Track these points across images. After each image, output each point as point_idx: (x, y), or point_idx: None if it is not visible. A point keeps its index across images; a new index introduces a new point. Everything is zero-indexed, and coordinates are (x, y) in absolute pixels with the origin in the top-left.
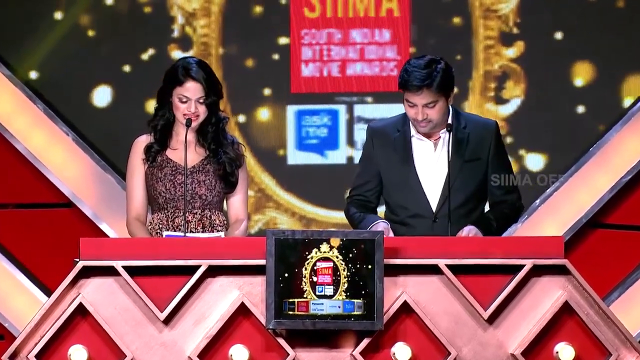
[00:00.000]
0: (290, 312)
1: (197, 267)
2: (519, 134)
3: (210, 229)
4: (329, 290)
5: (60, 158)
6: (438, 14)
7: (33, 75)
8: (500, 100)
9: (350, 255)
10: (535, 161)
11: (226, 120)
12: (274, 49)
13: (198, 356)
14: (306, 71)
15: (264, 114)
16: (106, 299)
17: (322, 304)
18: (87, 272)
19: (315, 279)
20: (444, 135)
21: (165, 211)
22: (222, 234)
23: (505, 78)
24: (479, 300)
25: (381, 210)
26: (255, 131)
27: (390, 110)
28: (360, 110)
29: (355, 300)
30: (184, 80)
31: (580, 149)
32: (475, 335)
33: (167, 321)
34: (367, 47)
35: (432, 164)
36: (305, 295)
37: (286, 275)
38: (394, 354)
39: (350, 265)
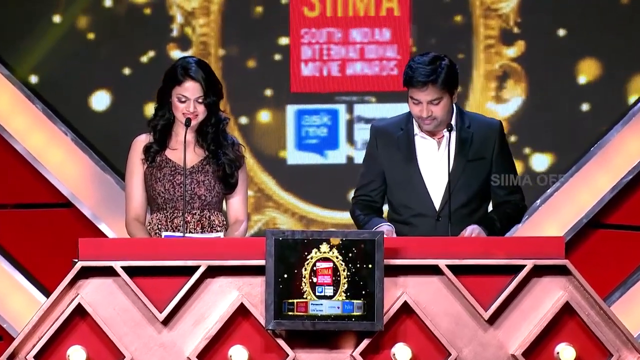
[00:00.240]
0: (290, 313)
1: (197, 267)
2: (519, 134)
3: (209, 229)
4: (329, 291)
5: (59, 158)
6: (438, 13)
7: (33, 79)
8: (500, 100)
9: (350, 255)
10: (536, 161)
11: (226, 121)
12: (273, 49)
13: (197, 357)
14: (306, 71)
15: (263, 113)
16: (105, 299)
17: (321, 304)
18: (86, 273)
19: (315, 279)
20: (447, 134)
21: (165, 211)
22: (221, 235)
23: (505, 77)
24: (480, 301)
25: (386, 208)
26: (254, 131)
27: (391, 110)
28: (360, 109)
29: (355, 301)
30: (182, 80)
31: (582, 149)
32: (475, 336)
33: (166, 322)
34: (367, 47)
35: (435, 162)
36: (304, 296)
37: (286, 275)
38: (394, 354)
39: (350, 265)
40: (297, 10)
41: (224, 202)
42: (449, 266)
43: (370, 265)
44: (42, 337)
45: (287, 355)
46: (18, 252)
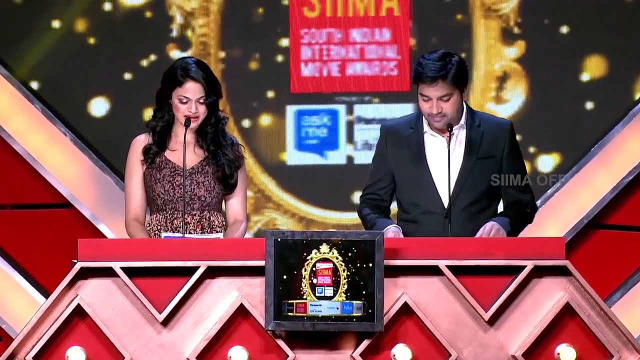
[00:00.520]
0: (290, 314)
1: (196, 268)
2: (520, 134)
3: (209, 230)
4: (329, 292)
5: (58, 158)
6: (438, 13)
7: (33, 83)
8: (500, 101)
9: (350, 256)
10: (536, 161)
11: (225, 120)
12: (273, 49)
13: (197, 358)
14: (306, 71)
15: (263, 114)
16: (104, 300)
17: (320, 305)
18: (85, 273)
19: (315, 280)
20: (457, 132)
21: (164, 212)
22: (220, 235)
23: (506, 78)
24: (480, 302)
25: (394, 206)
26: (254, 131)
27: (391, 110)
28: (360, 110)
29: (355, 302)
30: (183, 81)
31: (583, 149)
32: (476, 337)
33: (165, 322)
34: (367, 47)
35: (444, 160)
36: (304, 297)
37: (286, 276)
38: (394, 355)
39: (350, 266)
40: (297, 11)
41: (224, 202)
42: (449, 267)
43: (370, 266)
44: (41, 338)
45: (287, 356)
46: (17, 252)
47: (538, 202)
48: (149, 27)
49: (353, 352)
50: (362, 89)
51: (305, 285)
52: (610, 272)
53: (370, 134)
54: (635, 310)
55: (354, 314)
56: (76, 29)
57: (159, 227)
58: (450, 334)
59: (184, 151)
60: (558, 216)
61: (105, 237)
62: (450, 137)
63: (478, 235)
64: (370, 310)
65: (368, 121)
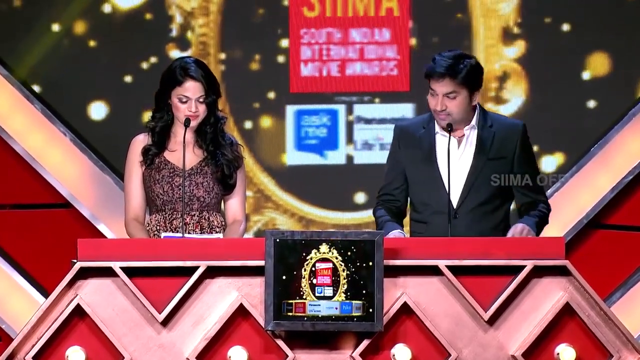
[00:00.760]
0: (289, 314)
1: (196, 268)
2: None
3: (208, 230)
4: (329, 292)
5: (58, 158)
6: (438, 13)
7: (33, 82)
8: (500, 101)
9: (350, 256)
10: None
11: (225, 120)
12: (273, 49)
13: (197, 358)
14: (305, 71)
15: (262, 114)
16: (104, 300)
17: (319, 305)
18: (85, 273)
19: (314, 280)
20: (468, 133)
21: (163, 213)
22: (220, 236)
23: (506, 78)
24: (480, 302)
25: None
26: (254, 131)
27: (391, 110)
28: (360, 110)
29: (354, 302)
30: (183, 80)
31: (583, 149)
32: (475, 337)
33: (165, 322)
34: (366, 47)
35: (454, 160)
36: (304, 297)
37: (285, 276)
38: (393, 355)
39: (349, 265)
40: (297, 11)
41: (223, 202)
42: (448, 267)
43: (370, 266)
44: (41, 338)
45: (287, 356)
46: (17, 252)
47: None
48: (149, 27)
49: (353, 352)
50: (362, 89)
51: (305, 285)
52: (610, 272)
53: (370, 134)
54: (634, 310)
55: (354, 314)
56: (75, 29)
57: (158, 228)
58: (450, 333)
59: (183, 151)
60: (558, 216)
61: (105, 237)
62: (450, 137)
63: (509, 235)
64: (370, 310)
65: (368, 121)
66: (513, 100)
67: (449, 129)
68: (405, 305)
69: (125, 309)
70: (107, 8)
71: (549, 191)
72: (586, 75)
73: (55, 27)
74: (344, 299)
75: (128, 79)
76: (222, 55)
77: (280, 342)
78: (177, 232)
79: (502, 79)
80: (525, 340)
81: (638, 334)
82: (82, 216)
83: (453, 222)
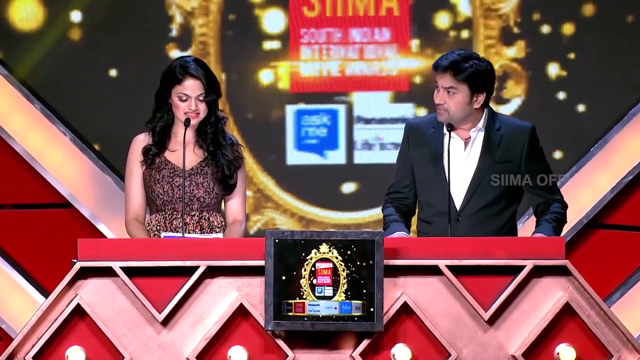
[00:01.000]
0: (290, 314)
1: (196, 268)
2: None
3: (208, 230)
4: (329, 291)
5: (57, 158)
6: (438, 13)
7: (31, 80)
8: (500, 100)
9: (350, 255)
10: None
11: (225, 120)
12: (272, 48)
13: (196, 357)
14: (305, 70)
15: (262, 113)
16: (104, 300)
17: (318, 304)
18: (85, 273)
19: (314, 280)
20: (475, 135)
21: (163, 213)
22: (220, 236)
23: (505, 78)
24: (480, 301)
25: None
26: (254, 131)
27: (390, 110)
28: (359, 110)
29: (353, 302)
30: (182, 79)
31: (582, 149)
32: (475, 337)
33: (165, 322)
34: (366, 47)
35: (460, 162)
36: (304, 297)
37: (285, 276)
38: (393, 355)
39: (350, 265)
40: (297, 10)
41: (223, 202)
42: (448, 266)
43: (370, 266)
44: (41, 338)
45: (287, 355)
46: (17, 252)
47: None
48: (149, 27)
49: (353, 352)
50: (362, 88)
51: (305, 285)
52: (610, 272)
53: (369, 133)
54: (634, 310)
55: (353, 314)
56: (75, 29)
57: (158, 228)
58: (449, 333)
59: (183, 151)
60: None
61: (105, 237)
62: (450, 136)
63: None
64: (370, 310)
65: (367, 121)
66: (513, 100)
67: (449, 129)
68: (405, 305)
69: (125, 309)
70: (106, 8)
71: None
72: (586, 75)
73: (55, 27)
74: (344, 298)
75: (128, 78)
76: (222, 55)
77: (280, 342)
78: (177, 232)
79: (502, 79)
80: (525, 340)
81: (638, 334)
82: (82, 216)
83: (456, 224)
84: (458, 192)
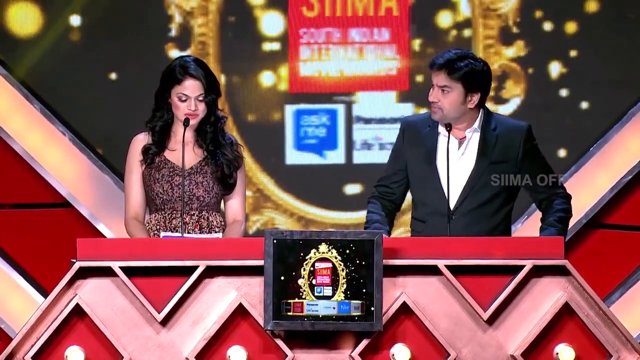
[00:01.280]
0: (289, 313)
1: (195, 267)
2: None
3: (207, 230)
4: (328, 291)
5: (57, 158)
6: (437, 13)
7: (30, 79)
8: (499, 100)
9: (349, 255)
10: None
11: (225, 119)
12: (272, 48)
13: (196, 357)
14: (305, 70)
15: (262, 113)
16: (103, 300)
17: (317, 304)
18: (84, 273)
19: (314, 279)
20: (470, 135)
21: (163, 212)
22: (219, 235)
23: (505, 77)
24: (479, 301)
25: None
26: (253, 131)
27: (389, 110)
28: (359, 110)
29: (352, 301)
30: (182, 79)
31: (582, 148)
32: (474, 337)
33: (164, 322)
34: (366, 47)
35: (454, 162)
36: (303, 296)
37: (285, 276)
38: (393, 355)
39: (349, 265)
40: (296, 10)
41: (222, 202)
42: (448, 266)
43: (369, 266)
44: (40, 338)
45: (286, 355)
46: (16, 252)
47: None
48: (148, 27)
49: (352, 351)
50: (361, 88)
51: (304, 285)
52: (609, 272)
53: (369, 133)
54: (634, 309)
55: (352, 314)
56: (74, 28)
57: (157, 227)
58: (449, 333)
59: (182, 150)
60: None
61: (104, 237)
62: (449, 136)
63: None
64: (369, 310)
65: (367, 121)
66: (512, 100)
67: (448, 129)
68: (404, 305)
69: (125, 309)
70: (105, 7)
71: None
72: (586, 75)
73: (55, 27)
74: (343, 298)
75: (127, 78)
76: (221, 55)
77: (280, 342)
78: (177, 231)
79: (501, 79)
80: (525, 340)
81: (637, 334)
82: (81, 216)
83: (449, 223)
84: (452, 191)
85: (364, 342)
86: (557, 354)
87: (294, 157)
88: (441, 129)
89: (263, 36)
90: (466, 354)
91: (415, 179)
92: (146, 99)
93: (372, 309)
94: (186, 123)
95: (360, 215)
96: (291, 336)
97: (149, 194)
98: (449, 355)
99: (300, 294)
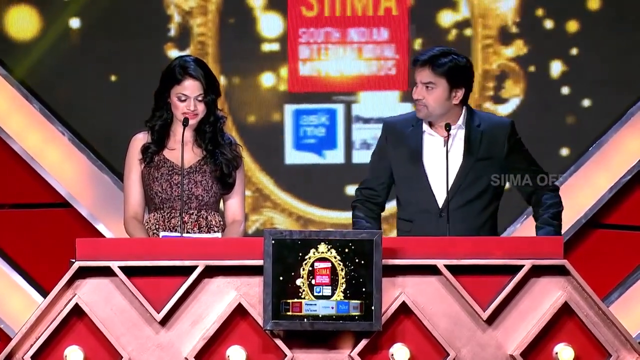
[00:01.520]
0: (288, 313)
1: (194, 267)
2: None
3: (206, 229)
4: (327, 291)
5: (56, 158)
6: (436, 13)
7: (29, 80)
8: (499, 100)
9: (349, 255)
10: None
11: (224, 119)
12: (271, 48)
13: (195, 357)
14: (304, 70)
15: (261, 113)
16: (102, 299)
17: (315, 304)
18: (83, 273)
19: (313, 279)
20: (455, 132)
21: (162, 211)
22: (219, 235)
23: (504, 77)
24: (478, 301)
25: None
26: (252, 130)
27: (389, 110)
28: (358, 109)
29: (351, 301)
30: (182, 79)
31: (581, 148)
32: (474, 336)
33: (163, 322)
34: (365, 46)
35: (440, 160)
36: (302, 296)
37: (284, 276)
38: (392, 355)
39: (348, 264)
40: (295, 10)
41: (222, 202)
42: (447, 266)
43: (368, 265)
44: (39, 338)
45: (285, 355)
46: (15, 252)
47: None
48: (147, 27)
49: (351, 351)
50: (360, 88)
51: (303, 285)
52: (609, 272)
53: (368, 133)
54: (633, 309)
55: (352, 314)
56: (74, 28)
57: (156, 226)
58: (448, 333)
59: (181, 150)
60: None
61: (104, 237)
62: (444, 136)
63: None
64: (368, 310)
65: (366, 120)
66: (511, 99)
67: (448, 128)
68: (403, 305)
69: (124, 309)
70: (104, 7)
71: None
72: (585, 74)
73: (54, 27)
74: (342, 298)
75: (127, 78)
76: (221, 55)
77: (279, 342)
78: (176, 230)
79: (500, 79)
80: (524, 339)
81: (636, 334)
82: (80, 216)
83: (438, 221)
84: (439, 189)
85: (363, 342)
86: (556, 353)
87: (293, 156)
88: (426, 127)
89: (262, 36)
90: (465, 354)
91: (401, 179)
92: (146, 99)
93: (372, 308)
94: (185, 123)
95: None
96: (290, 336)
97: (148, 193)
98: (448, 355)
99: (300, 293)
